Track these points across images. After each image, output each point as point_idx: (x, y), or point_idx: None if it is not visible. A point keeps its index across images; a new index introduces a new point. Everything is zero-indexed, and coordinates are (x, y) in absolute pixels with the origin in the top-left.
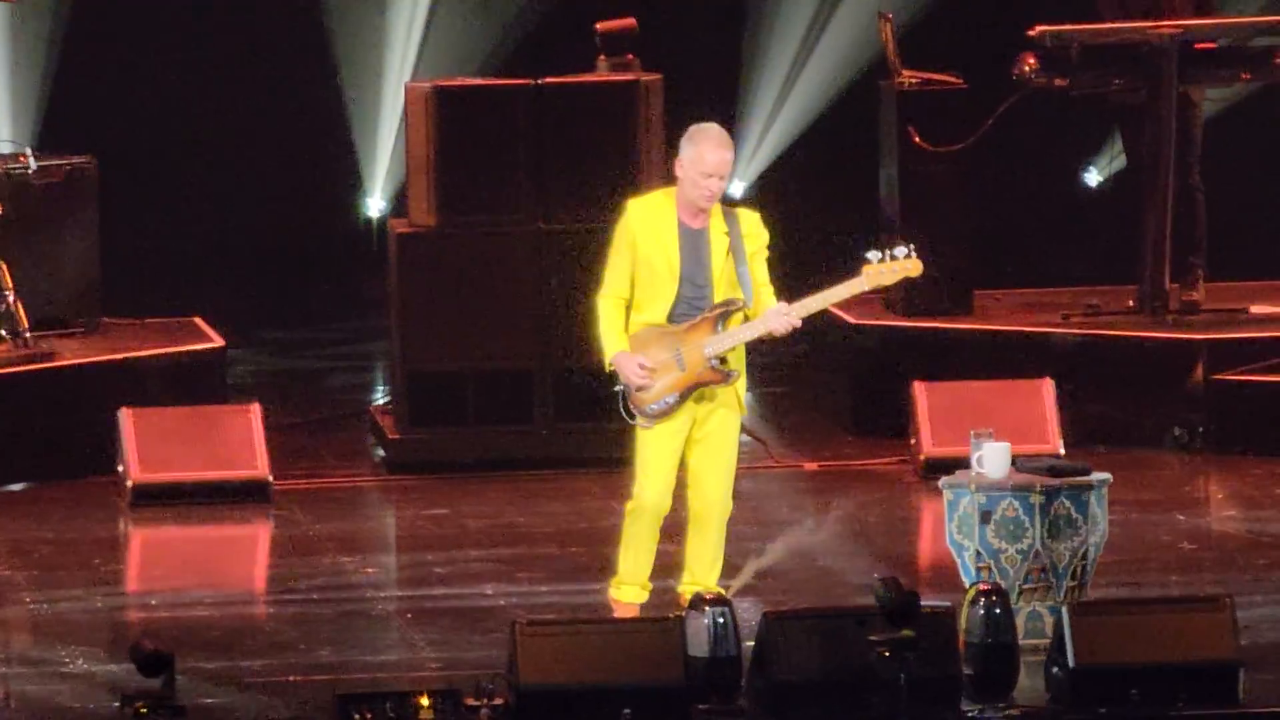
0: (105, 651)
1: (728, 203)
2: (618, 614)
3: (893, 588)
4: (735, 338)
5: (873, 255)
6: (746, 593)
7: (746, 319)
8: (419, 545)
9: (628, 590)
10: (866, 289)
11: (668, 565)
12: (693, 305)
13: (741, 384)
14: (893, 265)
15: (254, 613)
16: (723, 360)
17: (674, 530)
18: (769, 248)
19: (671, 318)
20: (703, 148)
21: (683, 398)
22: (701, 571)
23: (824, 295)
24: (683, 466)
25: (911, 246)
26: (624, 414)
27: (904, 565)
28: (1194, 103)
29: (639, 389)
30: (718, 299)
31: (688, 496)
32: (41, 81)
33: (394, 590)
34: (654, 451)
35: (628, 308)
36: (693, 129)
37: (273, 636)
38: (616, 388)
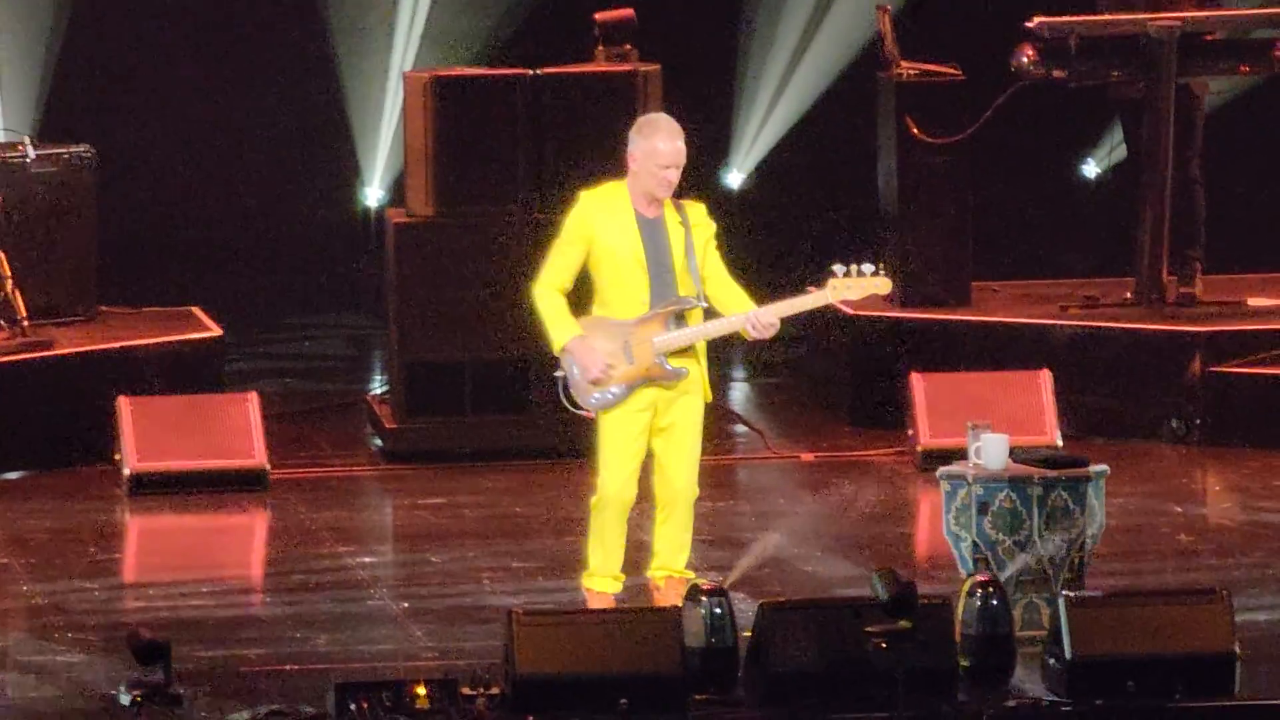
0: (101, 640)
1: (677, 195)
2: (593, 604)
3: (890, 579)
4: (690, 336)
5: (838, 269)
6: (743, 583)
7: (708, 316)
8: (416, 535)
9: (600, 581)
10: (831, 301)
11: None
12: (664, 296)
13: (700, 370)
14: (860, 281)
15: (251, 602)
16: (669, 357)
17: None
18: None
19: (652, 309)
20: (655, 140)
21: (628, 390)
22: (669, 556)
23: (789, 303)
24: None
25: (880, 266)
26: (564, 400)
27: (901, 556)
28: (1194, 95)
29: (593, 380)
30: (682, 290)
31: (654, 484)
32: (40, 71)
33: (391, 580)
34: (616, 444)
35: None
36: (641, 121)
37: (270, 626)
38: (557, 373)
